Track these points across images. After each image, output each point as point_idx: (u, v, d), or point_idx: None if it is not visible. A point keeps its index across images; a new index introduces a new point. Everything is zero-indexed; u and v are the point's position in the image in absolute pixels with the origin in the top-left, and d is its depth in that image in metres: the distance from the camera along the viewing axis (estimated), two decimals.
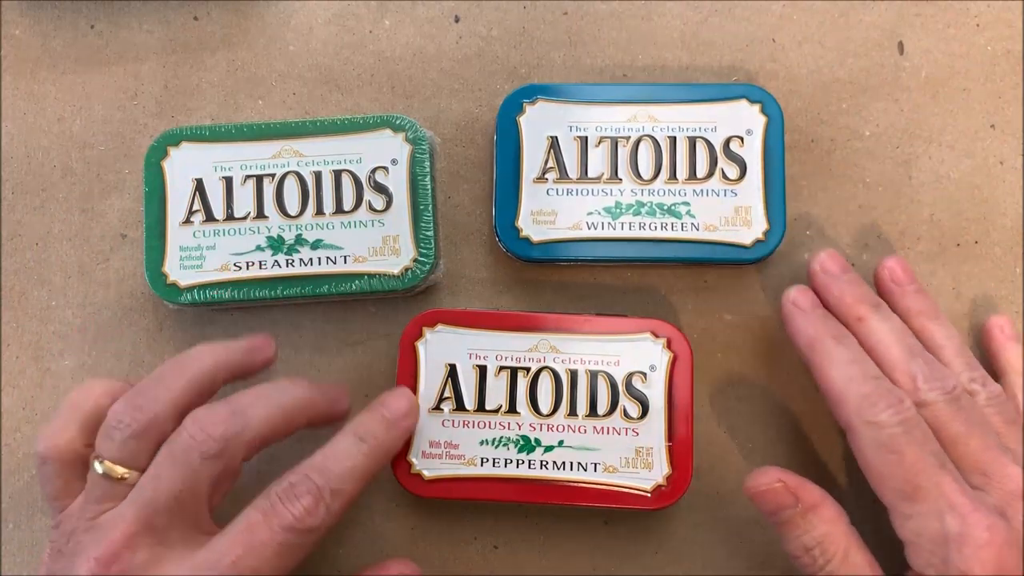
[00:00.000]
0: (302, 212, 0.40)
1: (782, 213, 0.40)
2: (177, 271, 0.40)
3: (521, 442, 0.38)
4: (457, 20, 0.44)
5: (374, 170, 0.40)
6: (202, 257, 0.40)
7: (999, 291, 0.42)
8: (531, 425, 0.38)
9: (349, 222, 0.40)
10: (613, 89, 0.41)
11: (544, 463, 0.38)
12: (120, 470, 0.32)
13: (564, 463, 0.38)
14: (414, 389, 0.38)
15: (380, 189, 0.40)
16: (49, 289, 0.43)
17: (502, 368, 0.38)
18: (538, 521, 0.40)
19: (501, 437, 0.38)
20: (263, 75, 0.44)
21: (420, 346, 0.39)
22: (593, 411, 0.38)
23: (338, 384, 0.39)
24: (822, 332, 0.36)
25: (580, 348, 0.39)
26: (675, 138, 0.40)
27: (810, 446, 0.41)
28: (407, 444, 0.38)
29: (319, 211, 0.40)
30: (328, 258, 0.40)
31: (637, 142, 0.40)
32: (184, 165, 0.40)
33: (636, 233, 0.40)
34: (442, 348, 0.39)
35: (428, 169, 0.40)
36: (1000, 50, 0.43)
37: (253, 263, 0.40)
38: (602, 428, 0.38)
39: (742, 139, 0.40)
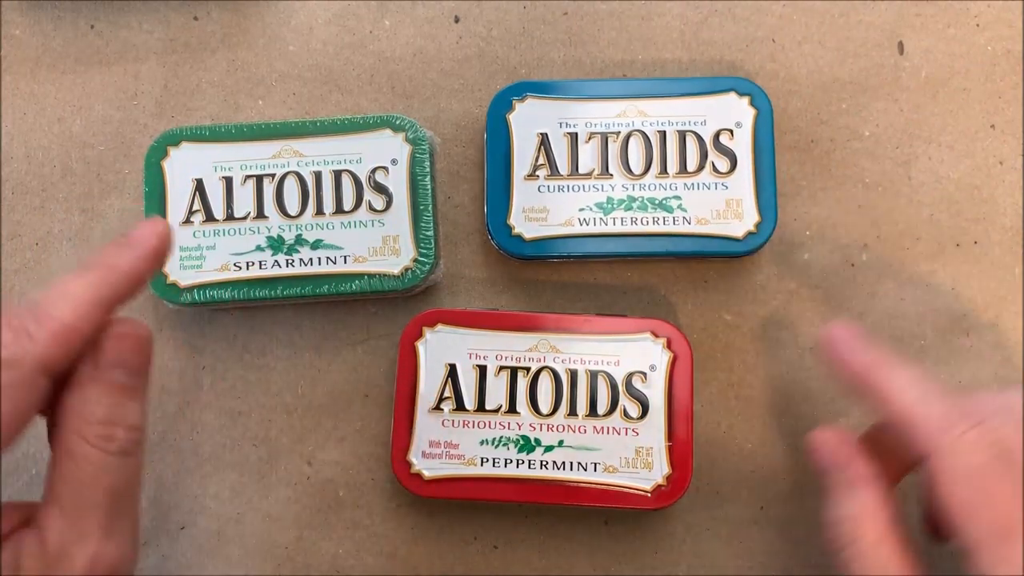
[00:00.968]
0: (302, 212, 0.40)
1: (773, 205, 0.40)
2: (177, 271, 0.40)
3: (521, 442, 0.38)
4: (457, 20, 0.44)
5: (374, 170, 0.40)
6: (202, 257, 0.40)
7: (999, 291, 0.42)
8: (531, 425, 0.38)
9: (349, 222, 0.40)
10: (602, 85, 0.41)
11: (544, 463, 0.38)
12: None
13: (564, 463, 0.38)
14: (414, 389, 0.38)
15: (380, 189, 0.40)
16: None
17: (502, 368, 0.38)
18: (538, 521, 0.40)
19: (501, 437, 0.38)
20: (263, 75, 0.44)
21: (420, 346, 0.39)
22: (593, 411, 0.38)
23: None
24: (878, 356, 0.32)
25: (580, 348, 0.39)
26: (665, 132, 0.40)
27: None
28: (407, 444, 0.38)
29: (319, 211, 0.40)
30: (328, 258, 0.40)
31: (627, 137, 0.40)
32: (184, 165, 0.40)
33: (628, 228, 0.40)
34: (442, 348, 0.39)
35: (428, 169, 0.40)
36: (1000, 50, 0.43)
37: (253, 263, 0.40)
38: (602, 428, 0.38)
39: (732, 132, 0.40)
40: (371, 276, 0.40)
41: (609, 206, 0.40)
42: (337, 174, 0.40)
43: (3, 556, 0.28)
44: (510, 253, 0.40)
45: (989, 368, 0.41)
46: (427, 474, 0.38)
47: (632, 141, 0.40)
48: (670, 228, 0.40)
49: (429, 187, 0.40)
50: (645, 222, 0.40)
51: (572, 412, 0.38)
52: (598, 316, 0.39)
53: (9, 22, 0.45)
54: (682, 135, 0.40)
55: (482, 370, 0.38)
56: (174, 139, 0.41)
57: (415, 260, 0.40)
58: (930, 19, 0.44)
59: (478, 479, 0.38)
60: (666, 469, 0.37)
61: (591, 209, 0.40)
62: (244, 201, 0.40)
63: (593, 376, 0.38)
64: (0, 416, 0.26)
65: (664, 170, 0.40)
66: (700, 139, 0.40)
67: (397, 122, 0.40)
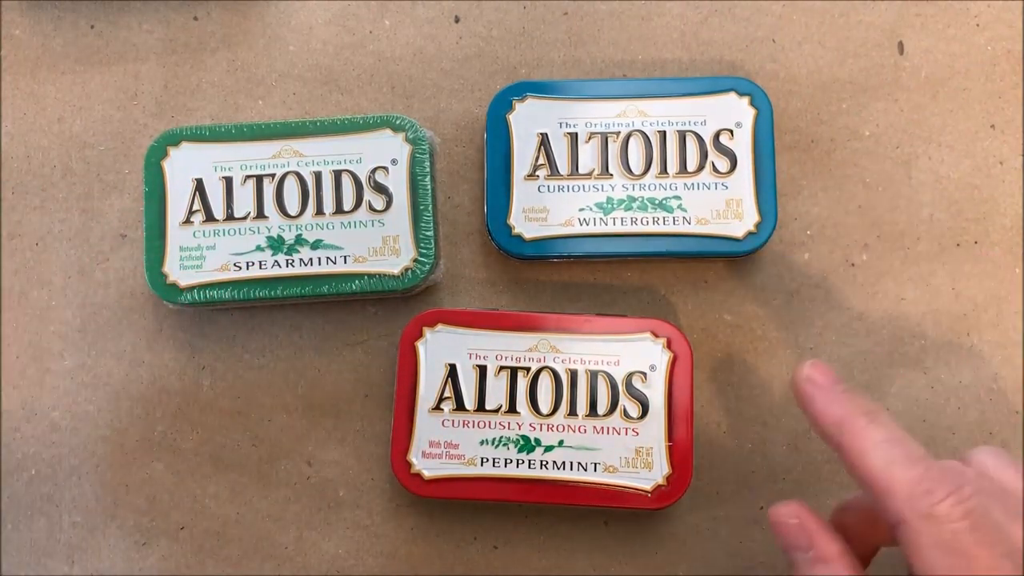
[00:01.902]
0: (302, 212, 0.40)
1: (773, 205, 0.40)
2: (177, 271, 0.40)
3: (521, 442, 0.38)
4: (457, 20, 0.44)
5: (374, 170, 0.40)
6: (202, 257, 0.40)
7: (999, 291, 0.42)
8: (531, 425, 0.38)
9: (349, 222, 0.40)
10: (602, 85, 0.41)
11: (544, 463, 0.38)
12: None
13: (564, 463, 0.38)
14: (414, 389, 0.38)
15: (380, 189, 0.40)
16: (49, 289, 0.43)
17: (502, 368, 0.38)
18: (538, 521, 0.40)
19: (501, 437, 0.38)
20: (263, 75, 0.44)
21: (420, 346, 0.39)
22: (593, 411, 0.38)
23: None
24: (850, 410, 0.30)
25: (580, 348, 0.39)
26: (665, 132, 0.40)
27: (810, 446, 0.41)
28: (407, 444, 0.38)
29: (319, 211, 0.40)
30: (328, 258, 0.40)
31: (627, 137, 0.40)
32: (184, 165, 0.40)
33: (628, 228, 0.40)
34: (442, 348, 0.39)
35: (428, 169, 0.40)
36: (1000, 50, 0.43)
37: (253, 263, 0.40)
38: (602, 428, 0.38)
39: (732, 132, 0.40)
40: (371, 276, 0.40)
41: (609, 206, 0.40)
42: (337, 174, 0.40)
43: None
44: (510, 253, 0.40)
45: (989, 368, 0.41)
46: (427, 474, 0.38)
47: (632, 141, 0.40)
48: (670, 228, 0.40)
49: (429, 187, 0.40)
50: (645, 222, 0.40)
51: (572, 412, 0.38)
52: (598, 316, 0.39)
53: (9, 22, 0.45)
54: (682, 135, 0.40)
55: (482, 370, 0.38)
56: (174, 139, 0.41)
57: (415, 260, 0.40)
58: (930, 19, 0.44)
59: (478, 479, 0.38)
60: (666, 469, 0.37)
61: (591, 209, 0.40)
62: (244, 201, 0.40)
63: (593, 376, 0.38)
64: None
65: (664, 170, 0.40)
66: (700, 139, 0.40)
67: (397, 122, 0.40)
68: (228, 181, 0.40)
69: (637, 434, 0.38)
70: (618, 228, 0.40)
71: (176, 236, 0.40)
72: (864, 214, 0.42)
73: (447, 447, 0.38)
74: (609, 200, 0.40)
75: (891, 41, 0.43)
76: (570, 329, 0.39)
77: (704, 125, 0.40)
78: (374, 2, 0.44)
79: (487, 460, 0.38)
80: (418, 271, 0.40)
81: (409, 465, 0.38)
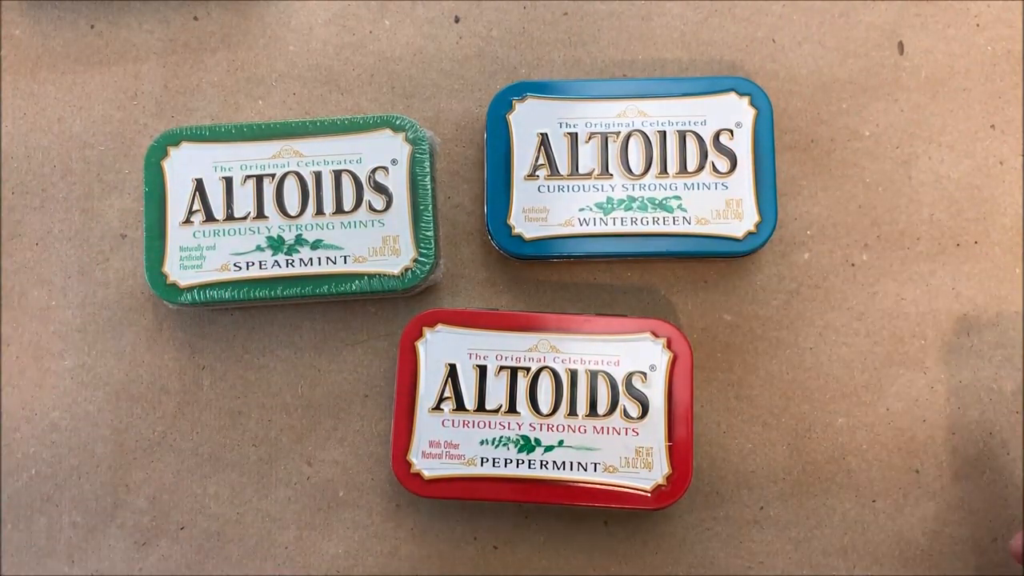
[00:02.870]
0: (302, 212, 0.40)
1: (773, 205, 0.40)
2: (177, 271, 0.40)
3: (521, 442, 0.38)
4: (457, 20, 0.44)
5: (374, 170, 0.40)
6: (202, 257, 0.40)
7: (999, 291, 0.42)
8: (531, 425, 0.38)
9: (349, 222, 0.40)
10: (602, 85, 0.41)
11: (544, 463, 0.38)
12: None
13: (564, 463, 0.38)
14: (414, 389, 0.38)
15: (380, 189, 0.40)
16: (49, 289, 0.43)
17: (502, 368, 0.38)
18: (538, 521, 0.40)
19: (501, 437, 0.38)
20: (263, 75, 0.44)
21: (420, 346, 0.39)
22: (593, 411, 0.38)
23: None
24: None
25: (580, 348, 0.39)
26: (665, 132, 0.40)
27: (810, 446, 0.41)
28: (407, 444, 0.38)
29: (319, 211, 0.40)
30: (328, 258, 0.40)
31: (627, 137, 0.40)
32: (184, 165, 0.40)
33: (628, 228, 0.40)
34: (442, 348, 0.39)
35: (428, 169, 0.40)
36: (1000, 50, 0.43)
37: (253, 263, 0.40)
38: (602, 428, 0.38)
39: (732, 132, 0.40)
40: (371, 276, 0.40)
41: (609, 206, 0.40)
42: (337, 174, 0.40)
43: None
44: (510, 253, 0.40)
45: (989, 368, 0.41)
46: (427, 474, 0.38)
47: (632, 141, 0.40)
48: (670, 228, 0.40)
49: (429, 187, 0.40)
50: (645, 222, 0.40)
51: (572, 412, 0.38)
52: (598, 316, 0.39)
53: (9, 22, 0.45)
54: (682, 135, 0.40)
55: (482, 370, 0.38)
56: (174, 139, 0.41)
57: (415, 260, 0.40)
58: (930, 19, 0.44)
59: (478, 479, 0.38)
60: (666, 469, 0.37)
61: (591, 209, 0.40)
62: (244, 201, 0.40)
63: (593, 376, 0.38)
64: None
65: (664, 170, 0.40)
66: (700, 139, 0.40)
67: (397, 122, 0.40)
68: (228, 181, 0.40)
69: (637, 434, 0.38)
70: (618, 228, 0.40)
71: (176, 236, 0.40)
72: (864, 214, 0.42)
73: (447, 447, 0.38)
74: (609, 200, 0.40)
75: (891, 41, 0.43)
76: (570, 329, 0.39)
77: (704, 125, 0.40)
78: (374, 2, 0.44)
79: (487, 460, 0.38)
80: (418, 271, 0.40)
81: (409, 465, 0.38)
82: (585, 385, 0.38)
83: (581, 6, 0.44)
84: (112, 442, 0.42)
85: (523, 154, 0.40)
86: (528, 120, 0.41)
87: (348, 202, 0.40)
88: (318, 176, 0.40)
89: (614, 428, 0.38)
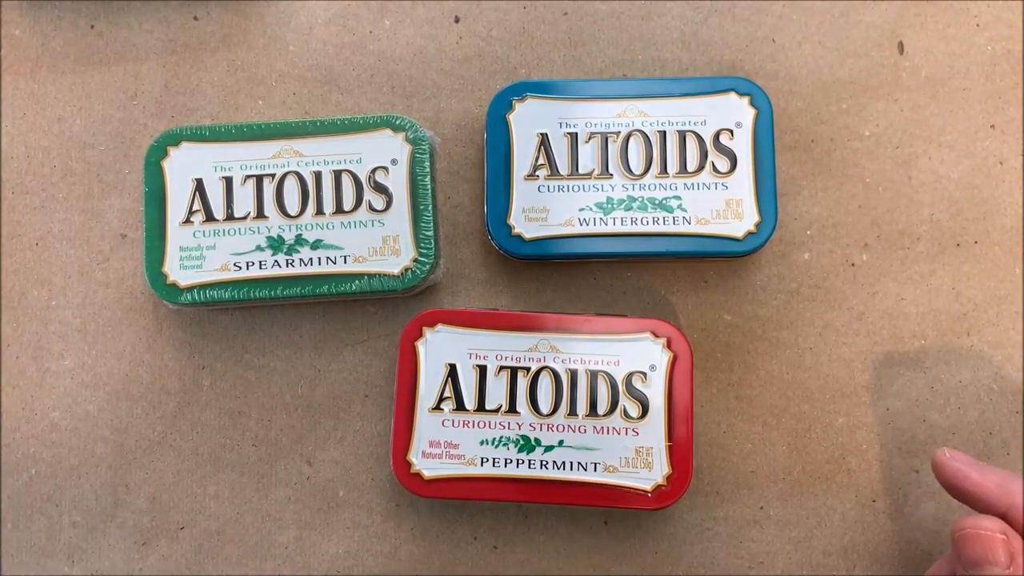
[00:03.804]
0: (302, 212, 0.40)
1: (773, 205, 0.40)
2: (177, 271, 0.40)
3: (521, 442, 0.38)
4: (457, 20, 0.44)
5: (374, 170, 0.40)
6: (202, 257, 0.40)
7: (999, 291, 0.42)
8: (531, 425, 0.38)
9: (349, 222, 0.40)
10: (602, 85, 0.41)
11: (544, 463, 0.38)
12: None
13: (564, 463, 0.38)
14: (414, 389, 0.38)
15: (380, 189, 0.40)
16: (49, 289, 0.43)
17: (502, 368, 0.38)
18: (538, 521, 0.40)
19: (501, 437, 0.38)
20: (263, 75, 0.44)
21: (420, 346, 0.39)
22: (593, 411, 0.38)
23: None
24: (1004, 475, 0.33)
25: (580, 348, 0.39)
26: (665, 132, 0.40)
27: (810, 446, 0.41)
28: (407, 444, 0.38)
29: (319, 211, 0.40)
30: (328, 258, 0.40)
31: (627, 137, 0.40)
32: (184, 165, 0.40)
33: (628, 228, 0.40)
34: (442, 348, 0.39)
35: (428, 169, 0.40)
36: (1000, 50, 0.43)
37: (253, 263, 0.40)
38: (602, 428, 0.38)
39: (732, 132, 0.40)
40: (371, 276, 0.40)
41: (609, 206, 0.40)
42: (337, 174, 0.40)
43: None
44: (510, 253, 0.40)
45: (989, 368, 0.41)
46: (427, 474, 0.38)
47: (632, 141, 0.40)
48: (670, 228, 0.40)
49: (429, 187, 0.40)
50: (645, 222, 0.40)
51: (572, 412, 0.38)
52: (598, 316, 0.39)
53: (9, 22, 0.45)
54: (682, 135, 0.40)
55: (482, 370, 0.38)
56: (174, 139, 0.41)
57: (415, 260, 0.40)
58: (930, 19, 0.44)
59: (478, 479, 0.38)
60: (666, 469, 0.37)
61: (591, 209, 0.40)
62: (244, 201, 0.40)
63: (593, 376, 0.38)
64: None
65: (664, 170, 0.40)
66: (700, 139, 0.40)
67: (397, 122, 0.40)
68: (228, 181, 0.40)
69: (637, 434, 0.38)
70: (618, 228, 0.40)
71: (176, 236, 0.40)
72: (864, 214, 0.42)
73: (447, 447, 0.38)
74: (609, 200, 0.40)
75: (891, 41, 0.43)
76: (570, 329, 0.39)
77: (704, 125, 0.40)
78: (374, 2, 0.44)
79: (487, 460, 0.38)
80: (418, 271, 0.40)
81: (409, 465, 0.38)
82: (585, 385, 0.38)
83: (581, 6, 0.44)
84: (112, 442, 0.42)
85: (523, 154, 0.40)
86: (528, 120, 0.41)
87: (348, 202, 0.40)
88: (318, 176, 0.40)
89: (614, 428, 0.38)
